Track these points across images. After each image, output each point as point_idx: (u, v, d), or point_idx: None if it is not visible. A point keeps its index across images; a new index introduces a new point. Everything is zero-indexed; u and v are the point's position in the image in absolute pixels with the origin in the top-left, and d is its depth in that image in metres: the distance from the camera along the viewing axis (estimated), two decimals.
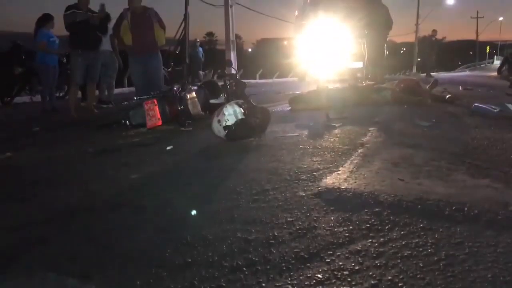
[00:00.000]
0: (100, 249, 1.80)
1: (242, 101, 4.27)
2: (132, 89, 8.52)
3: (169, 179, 2.87)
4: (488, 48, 53.60)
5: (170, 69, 8.31)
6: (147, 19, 6.46)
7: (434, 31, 18.42)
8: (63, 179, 3.02)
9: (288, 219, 1.98)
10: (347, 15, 11.33)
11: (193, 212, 2.14)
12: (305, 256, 1.63)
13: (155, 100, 5.13)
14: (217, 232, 1.87)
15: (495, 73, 16.98)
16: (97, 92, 8.39)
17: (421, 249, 1.64)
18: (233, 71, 8.20)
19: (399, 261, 1.56)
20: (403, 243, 1.70)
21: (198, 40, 19.61)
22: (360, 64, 11.76)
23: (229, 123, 3.88)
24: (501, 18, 53.94)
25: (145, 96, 5.46)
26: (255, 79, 21.08)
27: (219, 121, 3.93)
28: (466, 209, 2.01)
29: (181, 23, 9.19)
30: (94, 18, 6.67)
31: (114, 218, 2.14)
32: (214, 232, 1.87)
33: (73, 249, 1.81)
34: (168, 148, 3.92)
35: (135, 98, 5.71)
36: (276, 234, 1.83)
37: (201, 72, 17.57)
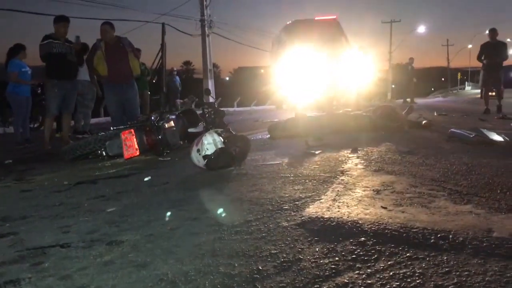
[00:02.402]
0: None
1: (222, 129, 4.24)
2: (108, 118, 8.43)
3: (147, 211, 2.79)
4: (459, 74, 55.35)
5: None
6: (121, 49, 6.45)
7: (411, 59, 18.96)
8: (36, 214, 2.89)
9: (272, 252, 1.92)
10: (322, 44, 11.56)
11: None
12: None
13: (132, 130, 5.05)
14: (199, 267, 1.80)
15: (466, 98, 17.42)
16: (72, 122, 8.26)
17: (409, 280, 1.60)
18: (211, 100, 8.20)
19: None
20: (391, 273, 1.66)
21: (175, 69, 19.66)
22: (336, 92, 11.93)
23: (208, 152, 3.83)
24: (470, 46, 55.75)
25: (122, 126, 5.38)
26: (233, 107, 21.17)
27: (198, 150, 3.88)
28: (451, 236, 1.99)
29: (158, 52, 9.17)
30: (72, 48, 6.61)
31: (90, 255, 2.04)
32: (196, 267, 1.79)
33: None
34: (146, 179, 3.83)
35: (111, 128, 5.62)
36: (260, 267, 1.76)
37: (178, 101, 17.53)
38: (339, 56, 11.62)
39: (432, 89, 54.00)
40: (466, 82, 57.76)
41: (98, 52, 6.41)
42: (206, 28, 19.08)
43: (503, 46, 10.28)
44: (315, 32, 11.98)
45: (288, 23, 13.49)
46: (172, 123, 5.48)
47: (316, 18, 13.07)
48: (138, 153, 5.02)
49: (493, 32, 10.21)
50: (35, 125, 9.93)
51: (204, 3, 19.00)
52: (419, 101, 20.07)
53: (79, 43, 6.85)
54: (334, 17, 12.95)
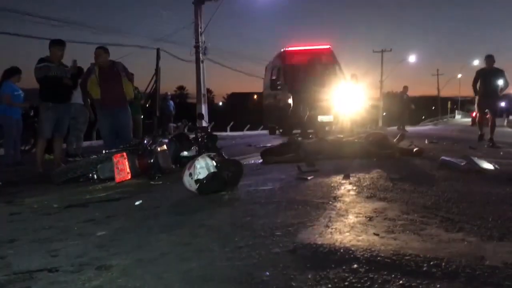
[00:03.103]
0: None
1: (214, 154, 4.24)
2: (101, 142, 8.41)
3: (138, 236, 2.75)
4: (449, 103, 56.15)
5: None
6: (115, 74, 6.50)
7: (406, 87, 19.19)
8: (25, 237, 2.85)
9: (264, 279, 1.89)
10: (315, 71, 11.72)
11: None
12: None
13: (124, 153, 5.04)
14: None
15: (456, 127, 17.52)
16: (64, 145, 8.22)
17: None
18: (205, 124, 8.22)
19: None
20: None
21: (169, 93, 19.78)
22: (330, 118, 12.05)
23: (200, 176, 3.82)
24: (459, 76, 56.71)
25: (114, 149, 5.36)
26: (226, 131, 21.24)
27: (190, 174, 3.86)
28: (443, 264, 1.98)
29: (153, 77, 9.22)
30: (68, 72, 6.64)
31: (78, 279, 2.01)
32: None
33: None
34: (137, 203, 3.80)
35: (103, 151, 5.61)
36: None
37: (171, 125, 17.56)
38: (333, 84, 11.77)
39: (423, 117, 54.58)
40: (456, 111, 58.59)
41: (92, 76, 6.46)
42: (201, 54, 19.26)
43: (500, 73, 10.00)
44: (309, 60, 12.17)
45: (282, 50, 13.69)
46: (164, 147, 5.48)
47: (310, 47, 13.27)
48: (129, 177, 4.99)
49: (490, 59, 10.05)
50: (27, 147, 9.86)
51: (199, 30, 19.25)
52: (410, 129, 20.28)
53: (75, 67, 6.88)
54: (328, 46, 13.17)
